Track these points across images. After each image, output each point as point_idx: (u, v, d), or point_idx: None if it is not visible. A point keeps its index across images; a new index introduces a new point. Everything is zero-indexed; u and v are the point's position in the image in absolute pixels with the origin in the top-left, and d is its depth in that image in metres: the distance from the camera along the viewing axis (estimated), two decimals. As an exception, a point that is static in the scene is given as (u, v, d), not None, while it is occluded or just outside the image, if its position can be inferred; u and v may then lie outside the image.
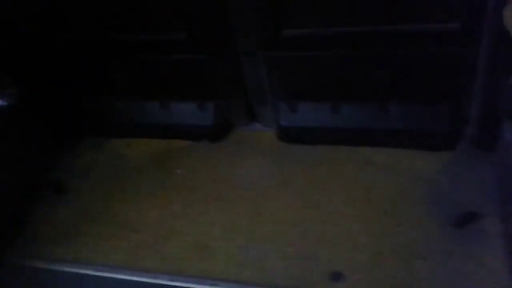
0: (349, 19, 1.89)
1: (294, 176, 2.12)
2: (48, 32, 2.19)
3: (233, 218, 2.02)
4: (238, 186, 2.13)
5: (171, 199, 2.15)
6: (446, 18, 1.79)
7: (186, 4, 1.97)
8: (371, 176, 2.05)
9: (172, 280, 1.87)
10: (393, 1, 1.80)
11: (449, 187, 1.91)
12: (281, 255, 1.85)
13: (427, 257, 1.71)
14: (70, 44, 2.24)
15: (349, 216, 1.92)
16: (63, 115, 2.41)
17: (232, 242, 1.93)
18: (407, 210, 1.88)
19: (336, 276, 1.73)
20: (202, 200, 2.11)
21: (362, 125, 2.16)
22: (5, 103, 2.01)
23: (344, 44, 1.97)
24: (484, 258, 1.66)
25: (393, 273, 1.70)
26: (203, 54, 2.13)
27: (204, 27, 2.03)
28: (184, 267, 1.90)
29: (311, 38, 1.99)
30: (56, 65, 2.29)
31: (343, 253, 1.80)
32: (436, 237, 1.77)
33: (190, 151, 2.34)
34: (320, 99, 2.20)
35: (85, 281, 1.94)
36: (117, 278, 1.92)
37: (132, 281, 1.90)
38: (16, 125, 2.17)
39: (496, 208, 1.79)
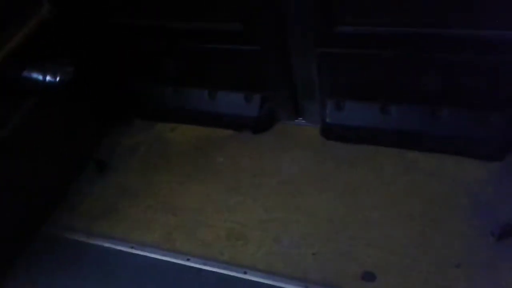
0: (405, 19, 1.85)
1: (335, 174, 2.10)
2: (105, 16, 2.26)
3: (269, 209, 2.02)
4: (277, 178, 2.13)
5: (211, 185, 2.17)
6: (505, 26, 1.73)
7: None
8: (414, 180, 2.00)
9: (204, 264, 1.89)
10: (452, 5, 1.75)
11: (493, 198, 1.85)
12: (314, 250, 1.84)
13: (463, 265, 1.66)
14: (125, 28, 2.30)
15: (387, 218, 1.88)
16: (112, 97, 2.48)
17: (267, 233, 1.94)
18: (448, 217, 1.83)
19: (368, 276, 1.70)
20: (240, 189, 2.12)
21: (409, 128, 2.11)
22: (62, 79, 2.08)
23: (398, 45, 1.93)
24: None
25: (426, 279, 1.66)
26: (255, 46, 2.13)
27: (258, 19, 2.04)
28: (217, 253, 1.92)
29: (364, 37, 1.96)
30: (110, 49, 2.35)
31: (377, 254, 1.77)
32: (475, 247, 1.71)
33: (233, 140, 2.36)
34: (368, 99, 2.16)
35: (119, 257, 1.99)
36: (150, 257, 1.96)
37: (165, 261, 1.94)
38: (68, 103, 2.24)
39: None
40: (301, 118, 2.38)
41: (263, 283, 1.80)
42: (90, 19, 2.23)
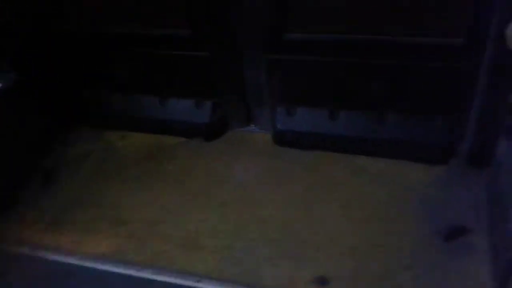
0: (352, 27, 1.90)
1: (287, 179, 2.12)
2: (49, 22, 2.19)
3: (222, 217, 2.01)
4: (229, 185, 2.13)
5: (161, 194, 2.13)
6: (449, 33, 1.80)
7: (191, 2, 1.97)
8: (363, 184, 2.04)
9: (156, 274, 1.85)
10: (397, 13, 1.81)
11: (440, 201, 1.91)
12: (268, 255, 1.84)
13: (413, 267, 1.70)
14: (71, 35, 2.24)
15: (339, 222, 1.91)
16: (58, 104, 2.41)
17: (219, 241, 1.92)
18: (397, 220, 1.87)
19: (321, 281, 1.72)
20: (191, 197, 2.10)
21: (358, 134, 2.16)
22: (2, 85, 2.01)
23: (346, 52, 1.97)
24: (470, 271, 1.65)
25: (377, 281, 1.69)
26: (205, 52, 2.13)
27: (207, 25, 2.04)
28: (170, 262, 1.88)
29: (313, 43, 2.00)
30: (55, 55, 2.29)
31: (329, 258, 1.79)
32: (424, 248, 1.76)
33: (184, 147, 2.33)
34: (318, 105, 2.19)
35: (67, 270, 1.91)
36: (100, 269, 1.90)
37: (116, 273, 1.88)
38: (11, 110, 2.16)
39: (485, 223, 1.79)
40: (253, 125, 2.38)
41: (217, 291, 1.78)
42: (34, 25, 2.17)
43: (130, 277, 1.86)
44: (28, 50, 2.18)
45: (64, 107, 2.44)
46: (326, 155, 2.19)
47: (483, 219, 1.81)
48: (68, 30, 2.22)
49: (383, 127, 2.11)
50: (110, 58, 2.31)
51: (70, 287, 1.87)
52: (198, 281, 1.80)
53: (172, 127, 2.39)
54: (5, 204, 2.17)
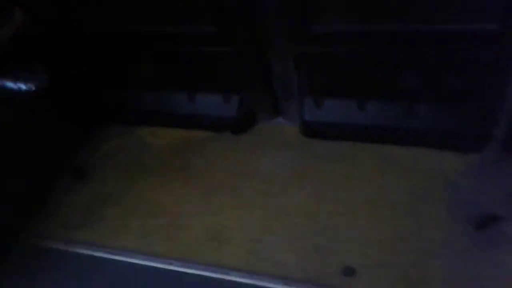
0: (378, 17, 1.86)
1: (314, 171, 2.10)
2: (79, 23, 2.25)
3: (249, 210, 2.01)
4: (256, 179, 2.12)
5: (190, 188, 2.15)
6: (480, 20, 1.73)
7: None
8: (394, 174, 2.00)
9: (184, 267, 1.87)
10: (423, 1, 1.76)
11: (473, 189, 1.85)
12: (295, 248, 1.83)
13: (442, 256, 1.66)
14: (99, 34, 2.28)
15: (368, 213, 1.88)
16: (90, 102, 2.47)
17: (247, 234, 1.93)
18: (428, 210, 1.83)
19: (349, 271, 1.70)
20: (219, 191, 2.11)
21: (387, 123, 2.12)
22: (35, 87, 2.07)
23: (373, 42, 1.94)
24: (501, 261, 1.61)
25: (406, 271, 1.66)
26: (230, 47, 2.13)
27: (232, 20, 2.04)
28: (198, 255, 1.90)
29: (339, 35, 1.97)
30: (86, 55, 2.34)
31: (357, 249, 1.77)
32: (455, 238, 1.71)
33: (212, 142, 2.34)
34: (346, 96, 2.16)
35: (98, 264, 1.97)
36: (130, 262, 1.94)
37: (146, 265, 1.92)
38: (44, 110, 2.22)
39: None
40: (280, 117, 2.37)
41: (246, 283, 1.78)
42: (63, 26, 2.22)
43: (160, 269, 1.89)
44: (59, 52, 2.24)
45: (94, 105, 2.50)
46: (355, 146, 2.16)
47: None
48: (95, 31, 2.26)
49: (414, 116, 2.06)
50: (138, 57, 2.34)
51: (101, 280, 1.92)
52: (226, 274, 1.82)
53: (200, 122, 2.40)
54: (39, 201, 2.24)
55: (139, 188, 2.21)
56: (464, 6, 1.73)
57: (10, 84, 1.95)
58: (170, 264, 1.89)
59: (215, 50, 2.18)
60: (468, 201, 1.81)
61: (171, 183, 2.19)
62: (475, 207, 1.78)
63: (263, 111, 2.36)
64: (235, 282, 1.80)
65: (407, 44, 1.90)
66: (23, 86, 1.97)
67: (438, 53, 1.88)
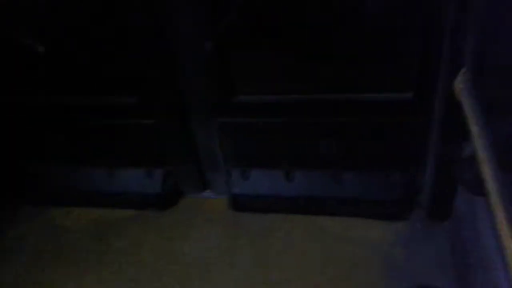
0: (299, 87, 1.88)
1: (245, 248, 2.02)
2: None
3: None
4: (184, 260, 2.00)
5: (110, 279, 1.98)
6: (397, 88, 1.79)
7: (134, 68, 1.91)
8: (324, 246, 1.97)
9: None
10: (343, 70, 1.80)
11: (404, 258, 1.85)
12: None
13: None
14: (12, 106, 2.13)
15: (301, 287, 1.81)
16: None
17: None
18: (361, 282, 1.80)
19: None
20: (142, 280, 1.95)
21: (315, 194, 2.11)
22: None
23: (294, 112, 1.95)
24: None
25: None
26: (152, 119, 2.06)
27: (153, 91, 1.98)
28: None
29: (261, 105, 1.97)
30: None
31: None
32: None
33: (136, 221, 2.20)
34: (272, 167, 2.14)
35: None
36: None
37: None
38: None
39: (451, 279, 1.73)
40: (208, 190, 2.29)
41: None
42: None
43: None
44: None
45: (3, 183, 2.29)
46: (284, 218, 2.11)
47: (449, 273, 1.76)
48: (6, 102, 2.11)
49: (340, 185, 2.07)
50: (51, 130, 2.21)
51: None
52: None
53: (122, 200, 2.27)
54: None
55: (52, 280, 1.99)
56: (380, 75, 1.79)
57: None
58: None
59: (135, 122, 2.10)
60: (400, 271, 1.80)
61: (88, 274, 2.00)
62: (407, 277, 1.77)
63: (190, 184, 2.27)
64: None
65: (327, 113, 1.93)
66: None
67: (358, 122, 1.91)
